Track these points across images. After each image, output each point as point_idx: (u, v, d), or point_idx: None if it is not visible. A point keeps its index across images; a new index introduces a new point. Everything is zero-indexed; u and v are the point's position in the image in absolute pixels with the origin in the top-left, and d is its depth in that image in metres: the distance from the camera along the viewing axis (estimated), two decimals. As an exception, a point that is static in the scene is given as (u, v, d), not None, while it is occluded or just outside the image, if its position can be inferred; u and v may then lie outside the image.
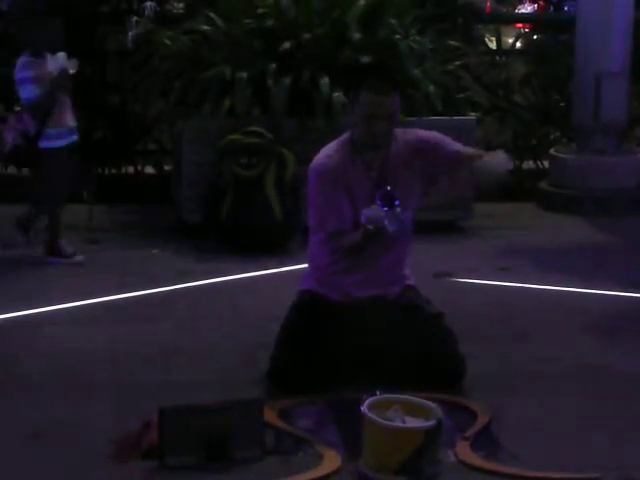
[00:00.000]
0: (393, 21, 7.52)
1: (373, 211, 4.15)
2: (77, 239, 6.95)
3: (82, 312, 5.51)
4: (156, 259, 6.65)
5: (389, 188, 4.17)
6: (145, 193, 8.31)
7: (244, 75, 7.10)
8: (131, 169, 9.04)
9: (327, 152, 4.47)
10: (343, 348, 4.33)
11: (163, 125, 8.46)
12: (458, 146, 4.58)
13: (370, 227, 4.15)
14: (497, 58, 9.64)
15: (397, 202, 4.14)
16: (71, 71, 6.18)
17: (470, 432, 3.93)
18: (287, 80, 7.04)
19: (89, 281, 6.05)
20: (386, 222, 4.12)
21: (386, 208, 4.12)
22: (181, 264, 6.49)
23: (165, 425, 3.68)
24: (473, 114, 7.69)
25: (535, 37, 11.17)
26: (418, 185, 4.49)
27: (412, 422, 3.64)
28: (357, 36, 7.28)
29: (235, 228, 6.83)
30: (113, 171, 9.00)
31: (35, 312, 5.45)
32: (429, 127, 6.90)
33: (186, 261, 6.58)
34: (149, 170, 9.03)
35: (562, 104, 9.18)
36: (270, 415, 3.96)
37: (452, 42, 8.13)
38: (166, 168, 8.73)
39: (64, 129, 6.35)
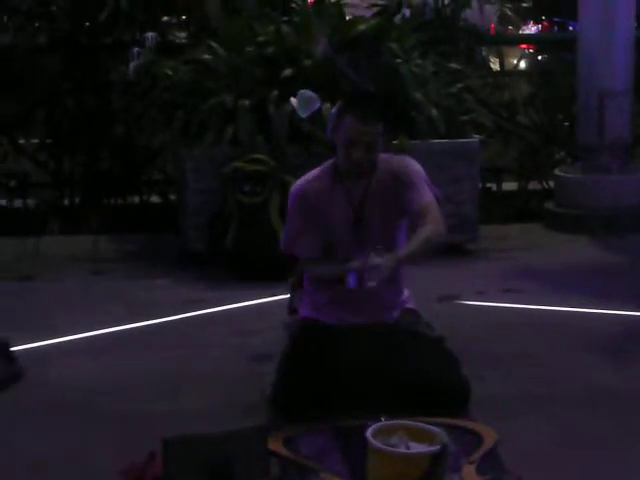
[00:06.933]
0: (394, 45, 7.53)
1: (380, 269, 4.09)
2: (82, 269, 6.95)
3: (86, 343, 5.49)
4: (161, 288, 6.64)
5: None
6: (150, 222, 8.31)
7: (246, 103, 7.11)
8: (136, 199, 9.06)
9: (307, 177, 4.44)
10: (344, 374, 4.28)
11: (167, 154, 8.48)
12: (421, 203, 4.25)
13: (373, 284, 4.10)
14: (500, 79, 9.64)
15: None
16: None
17: (476, 456, 3.89)
18: (289, 107, 7.05)
19: (94, 311, 6.04)
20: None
21: None
22: (187, 293, 6.48)
23: (169, 455, 3.64)
24: (477, 136, 7.68)
25: (539, 57, 11.19)
26: (403, 215, 4.39)
27: (417, 448, 3.61)
28: (358, 61, 7.29)
29: (240, 255, 6.82)
30: (119, 201, 9.02)
31: (40, 344, 5.44)
32: (433, 150, 7.04)
33: (192, 290, 6.56)
34: (154, 199, 9.05)
35: (566, 124, 9.18)
36: (275, 444, 3.93)
37: (454, 65, 8.13)
38: (171, 197, 8.75)
39: None
